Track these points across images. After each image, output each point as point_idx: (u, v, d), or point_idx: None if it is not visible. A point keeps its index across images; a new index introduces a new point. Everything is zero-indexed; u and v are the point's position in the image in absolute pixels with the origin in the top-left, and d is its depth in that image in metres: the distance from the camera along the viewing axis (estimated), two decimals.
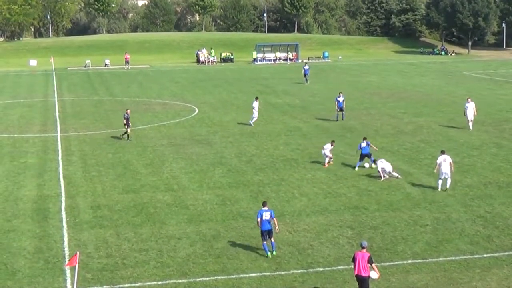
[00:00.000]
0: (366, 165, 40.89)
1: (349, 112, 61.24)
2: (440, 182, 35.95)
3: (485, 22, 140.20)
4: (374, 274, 22.53)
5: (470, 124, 52.40)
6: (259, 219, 27.10)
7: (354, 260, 22.66)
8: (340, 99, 57.24)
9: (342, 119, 56.95)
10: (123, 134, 50.09)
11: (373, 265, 22.59)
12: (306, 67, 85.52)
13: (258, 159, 43.39)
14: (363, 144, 40.94)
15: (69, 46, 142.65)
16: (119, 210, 33.22)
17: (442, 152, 36.76)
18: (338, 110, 57.38)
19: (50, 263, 26.74)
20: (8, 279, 25.33)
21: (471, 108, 52.55)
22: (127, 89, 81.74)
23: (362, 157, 40.90)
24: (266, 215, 27.07)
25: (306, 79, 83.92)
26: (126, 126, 49.81)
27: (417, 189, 36.26)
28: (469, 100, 53.14)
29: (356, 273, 22.53)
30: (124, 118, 50.08)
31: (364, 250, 22.67)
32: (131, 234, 29.71)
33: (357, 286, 22.83)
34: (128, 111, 51.21)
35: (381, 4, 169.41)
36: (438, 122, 55.67)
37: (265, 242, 27.17)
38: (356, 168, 40.47)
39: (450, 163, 36.00)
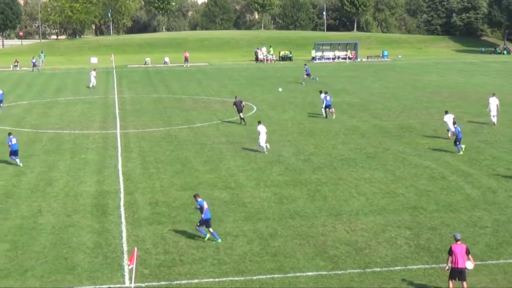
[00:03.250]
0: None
1: (408, 111, 60.79)
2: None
3: None
4: (469, 265, 23.09)
5: (494, 119, 54.00)
6: (200, 210, 28.75)
7: (451, 253, 23.04)
8: (328, 97, 58.29)
9: (326, 117, 58.00)
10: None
11: (470, 255, 23.19)
12: (306, 67, 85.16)
13: (316, 158, 43.28)
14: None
15: (129, 44, 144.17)
16: (177, 207, 33.44)
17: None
18: (324, 107, 58.37)
19: (108, 258, 27.04)
20: (67, 273, 25.69)
21: (494, 104, 53.95)
22: (186, 86, 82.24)
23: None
24: (205, 204, 28.78)
25: (305, 81, 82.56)
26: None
27: (477, 190, 35.77)
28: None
29: (456, 265, 22.96)
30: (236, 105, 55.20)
31: (459, 242, 23.17)
32: (189, 231, 29.87)
33: (456, 279, 23.21)
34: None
35: (442, 2, 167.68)
36: (499, 122, 54.75)
37: (201, 228, 28.75)
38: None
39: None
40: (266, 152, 44.20)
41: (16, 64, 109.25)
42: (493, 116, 53.83)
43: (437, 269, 25.37)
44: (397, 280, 24.67)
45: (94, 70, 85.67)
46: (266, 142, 44.93)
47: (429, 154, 43.95)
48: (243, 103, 56.64)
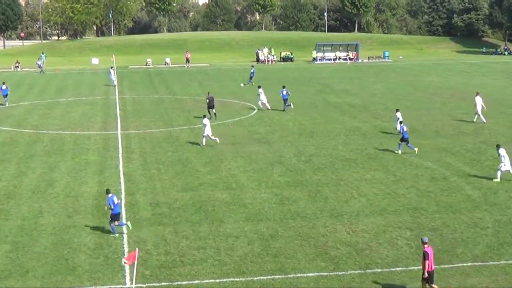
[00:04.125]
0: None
1: (410, 112, 60.72)
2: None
3: None
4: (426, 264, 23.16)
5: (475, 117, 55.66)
6: (112, 206, 29.57)
7: (427, 257, 22.94)
8: (284, 91, 62.48)
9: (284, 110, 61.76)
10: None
11: (426, 261, 23.12)
12: (252, 70, 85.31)
13: (317, 159, 43.28)
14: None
15: (130, 45, 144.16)
16: (178, 208, 33.46)
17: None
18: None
19: (109, 259, 27.07)
20: (68, 274, 25.72)
21: (479, 103, 55.67)
22: (187, 87, 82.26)
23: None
24: (116, 199, 29.82)
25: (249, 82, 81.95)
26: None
27: (477, 191, 35.79)
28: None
29: (431, 268, 23.00)
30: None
31: (424, 245, 23.16)
32: (190, 232, 29.90)
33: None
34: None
35: (443, 3, 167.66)
36: (500, 123, 54.85)
37: (113, 224, 29.59)
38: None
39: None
40: (218, 141, 47.36)
41: (17, 65, 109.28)
42: (476, 114, 55.59)
43: (438, 269, 25.31)
44: (398, 281, 24.69)
45: (112, 68, 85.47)
46: (214, 136, 47.52)
47: (430, 155, 43.96)
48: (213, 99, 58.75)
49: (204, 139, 47.33)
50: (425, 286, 23.26)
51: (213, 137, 47.42)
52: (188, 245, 28.41)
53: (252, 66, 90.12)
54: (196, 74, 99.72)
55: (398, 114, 50.39)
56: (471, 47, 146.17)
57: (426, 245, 23.17)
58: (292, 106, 62.45)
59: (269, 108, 62.48)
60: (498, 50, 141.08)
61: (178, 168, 41.37)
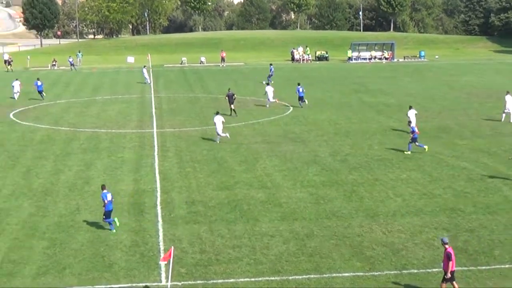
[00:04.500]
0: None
1: (446, 112, 60.38)
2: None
3: None
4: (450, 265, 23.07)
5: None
6: (106, 201, 30.05)
7: (451, 257, 22.87)
8: (300, 89, 63.80)
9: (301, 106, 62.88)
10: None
11: (450, 262, 23.03)
12: (271, 68, 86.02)
13: (352, 158, 43.14)
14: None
15: (166, 44, 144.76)
16: (213, 206, 33.54)
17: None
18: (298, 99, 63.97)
19: (145, 256, 27.20)
20: (105, 271, 25.89)
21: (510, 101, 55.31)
22: (222, 86, 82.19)
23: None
24: (109, 196, 30.20)
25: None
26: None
27: None
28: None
29: (454, 269, 22.98)
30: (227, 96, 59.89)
31: (445, 245, 23.13)
32: (225, 231, 29.96)
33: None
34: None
35: (479, 2, 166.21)
36: None
37: (110, 219, 30.16)
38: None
39: None
40: (229, 137, 48.39)
41: (54, 63, 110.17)
42: (504, 113, 55.66)
43: (475, 271, 25.20)
44: (434, 282, 24.51)
45: (145, 67, 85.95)
46: (225, 132, 48.59)
47: (466, 155, 43.62)
48: (234, 95, 60.74)
49: (219, 137, 48.15)
50: (445, 286, 23.17)
51: (223, 134, 48.11)
52: (224, 243, 28.47)
53: (271, 64, 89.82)
54: (231, 73, 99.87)
55: (410, 113, 50.12)
56: (509, 47, 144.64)
57: (447, 245, 23.07)
58: (307, 102, 63.33)
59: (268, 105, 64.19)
60: None
61: (213, 166, 41.47)
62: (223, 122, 48.53)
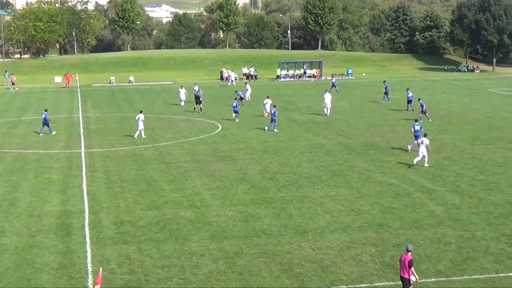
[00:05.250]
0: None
1: (373, 129, 61.21)
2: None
3: (510, 39, 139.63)
4: (413, 278, 23.71)
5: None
6: None
7: (399, 261, 23.91)
8: (234, 103, 68.79)
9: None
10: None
11: (411, 269, 23.62)
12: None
13: (281, 176, 43.35)
14: (417, 127, 50.61)
15: (94, 63, 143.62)
16: (142, 226, 33.29)
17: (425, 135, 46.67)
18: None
19: (73, 278, 26.81)
20: None
21: None
22: (151, 105, 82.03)
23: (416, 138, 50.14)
24: None
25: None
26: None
27: (441, 207, 36.07)
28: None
29: (399, 274, 23.88)
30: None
31: (409, 253, 23.80)
32: (154, 250, 29.75)
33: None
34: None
35: (405, 21, 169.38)
36: (462, 140, 55.44)
37: None
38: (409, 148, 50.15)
39: (427, 145, 45.47)
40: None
41: None
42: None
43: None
44: None
45: (182, 87, 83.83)
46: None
47: (393, 171, 44.26)
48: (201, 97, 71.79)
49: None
50: None
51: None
52: (153, 263, 28.26)
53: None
54: (160, 92, 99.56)
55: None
56: (433, 64, 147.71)
57: (410, 253, 23.92)
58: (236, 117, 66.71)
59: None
60: (459, 67, 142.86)
61: (142, 186, 41.19)
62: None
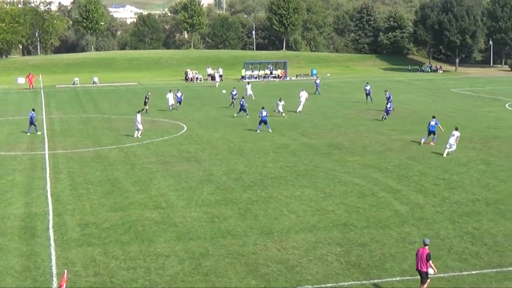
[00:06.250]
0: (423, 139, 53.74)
1: (337, 129, 61.49)
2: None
3: (472, 40, 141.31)
4: (431, 270, 24.23)
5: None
6: None
7: (416, 255, 24.48)
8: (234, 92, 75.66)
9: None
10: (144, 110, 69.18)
11: (430, 262, 24.27)
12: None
13: (246, 177, 43.36)
14: (432, 123, 53.31)
15: (57, 64, 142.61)
16: (107, 228, 33.10)
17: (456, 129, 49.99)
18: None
19: (37, 281, 26.58)
20: None
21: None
22: (116, 106, 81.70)
23: (429, 133, 53.40)
24: None
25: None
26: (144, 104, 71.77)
27: (405, 206, 36.31)
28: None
29: (416, 268, 24.48)
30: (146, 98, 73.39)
31: (426, 247, 24.44)
32: (119, 252, 29.60)
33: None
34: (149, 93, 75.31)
35: (369, 21, 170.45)
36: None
37: None
38: (422, 142, 53.47)
39: (457, 137, 48.99)
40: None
41: None
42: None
43: (368, 285, 25.65)
44: None
45: (170, 91, 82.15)
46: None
47: (358, 171, 44.49)
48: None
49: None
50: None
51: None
52: (118, 265, 28.11)
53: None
54: (125, 93, 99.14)
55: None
56: (397, 64, 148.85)
57: (427, 247, 24.54)
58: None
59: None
60: (423, 67, 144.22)
61: (107, 187, 40.97)
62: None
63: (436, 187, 40.29)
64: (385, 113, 66.94)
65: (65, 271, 24.02)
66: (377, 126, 63.50)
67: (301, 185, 41.16)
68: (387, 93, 74.00)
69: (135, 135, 57.84)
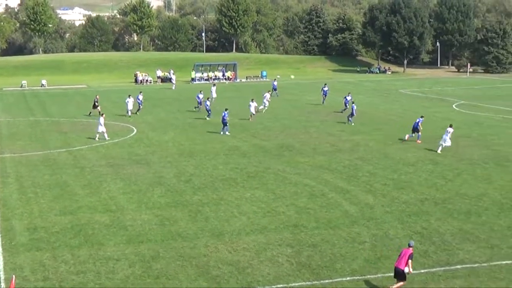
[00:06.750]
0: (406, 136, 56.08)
1: (288, 130, 61.70)
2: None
3: (420, 41, 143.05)
4: (407, 269, 24.88)
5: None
6: None
7: (400, 254, 25.30)
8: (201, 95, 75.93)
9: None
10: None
11: (410, 261, 24.80)
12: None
13: (197, 179, 43.28)
14: (417, 120, 55.91)
15: (5, 67, 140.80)
16: (56, 232, 32.76)
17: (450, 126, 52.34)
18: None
19: None
20: None
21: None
22: (64, 109, 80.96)
23: (413, 131, 55.85)
24: None
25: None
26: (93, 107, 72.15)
27: (355, 206, 36.58)
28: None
29: (396, 264, 25.20)
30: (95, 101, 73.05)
31: (411, 248, 25.12)
32: (69, 256, 29.31)
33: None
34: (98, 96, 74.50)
35: (318, 23, 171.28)
36: (375, 140, 56.39)
37: None
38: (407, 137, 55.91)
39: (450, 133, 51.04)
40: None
41: None
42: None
43: (318, 285, 25.78)
44: None
45: (130, 96, 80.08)
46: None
47: (308, 172, 44.69)
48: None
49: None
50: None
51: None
52: (67, 270, 27.84)
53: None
54: (73, 95, 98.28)
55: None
56: (346, 66, 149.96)
57: (411, 248, 25.11)
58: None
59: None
60: (371, 68, 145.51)
61: (56, 191, 40.54)
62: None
63: (386, 187, 40.68)
64: (350, 116, 66.89)
65: (13, 276, 23.76)
66: (327, 127, 63.89)
67: (251, 186, 41.21)
68: (349, 96, 74.82)
69: (96, 138, 57.51)
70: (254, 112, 69.27)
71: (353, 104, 66.84)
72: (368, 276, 26.74)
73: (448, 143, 50.95)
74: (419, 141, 54.95)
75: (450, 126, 52.38)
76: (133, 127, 64.22)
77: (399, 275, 24.86)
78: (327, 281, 26.29)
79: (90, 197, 38.97)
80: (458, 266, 27.70)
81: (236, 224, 33.65)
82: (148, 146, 54.81)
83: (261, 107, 74.88)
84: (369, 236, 31.61)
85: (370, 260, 28.47)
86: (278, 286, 25.93)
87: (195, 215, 35.31)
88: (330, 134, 59.56)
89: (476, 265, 27.97)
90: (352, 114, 65.98)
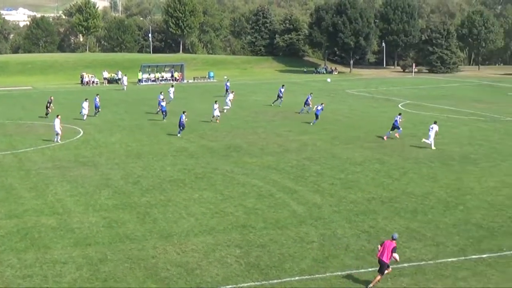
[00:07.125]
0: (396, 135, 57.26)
1: (236, 131, 61.74)
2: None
3: (365, 42, 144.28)
4: (394, 258, 25.85)
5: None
6: None
7: (382, 244, 25.59)
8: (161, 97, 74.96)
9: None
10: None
11: (394, 254, 25.58)
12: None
13: (144, 180, 43.08)
14: (397, 118, 57.30)
15: None
16: (2, 236, 32.31)
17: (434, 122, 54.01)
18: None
19: None
20: None
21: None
22: (9, 111, 79.85)
23: (392, 128, 57.25)
24: None
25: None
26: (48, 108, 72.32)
27: (303, 206, 36.77)
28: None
29: (378, 256, 25.84)
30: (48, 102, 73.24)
31: (394, 241, 25.81)
32: (15, 260, 28.93)
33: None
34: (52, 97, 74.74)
35: (265, 24, 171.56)
36: (322, 140, 56.72)
37: None
38: (385, 137, 56.97)
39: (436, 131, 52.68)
40: None
41: None
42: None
43: (267, 285, 25.85)
44: None
45: (86, 100, 78.20)
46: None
47: (256, 173, 44.79)
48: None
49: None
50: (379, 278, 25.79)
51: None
52: (13, 274, 27.48)
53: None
54: (18, 97, 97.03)
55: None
56: (293, 66, 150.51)
57: (395, 241, 25.91)
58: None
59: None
60: (318, 69, 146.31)
61: (1, 194, 39.95)
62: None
63: (333, 186, 40.97)
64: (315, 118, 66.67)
65: None
66: (274, 127, 64.06)
67: (199, 187, 41.17)
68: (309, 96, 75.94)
69: (55, 140, 56.84)
70: (219, 114, 68.03)
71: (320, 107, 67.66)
72: (317, 275, 26.91)
73: (431, 139, 52.70)
74: (397, 135, 57.25)
75: (435, 122, 54.17)
76: (80, 129, 63.61)
77: (382, 266, 25.55)
78: (276, 281, 26.40)
79: (36, 200, 38.53)
80: (405, 264, 28.01)
81: (184, 226, 33.59)
82: (95, 148, 54.37)
83: (226, 107, 74.67)
84: (317, 235, 31.81)
85: (319, 260, 28.65)
86: (227, 287, 25.97)
87: (143, 217, 35.15)
88: (278, 135, 59.76)
89: (422, 263, 28.35)
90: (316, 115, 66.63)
